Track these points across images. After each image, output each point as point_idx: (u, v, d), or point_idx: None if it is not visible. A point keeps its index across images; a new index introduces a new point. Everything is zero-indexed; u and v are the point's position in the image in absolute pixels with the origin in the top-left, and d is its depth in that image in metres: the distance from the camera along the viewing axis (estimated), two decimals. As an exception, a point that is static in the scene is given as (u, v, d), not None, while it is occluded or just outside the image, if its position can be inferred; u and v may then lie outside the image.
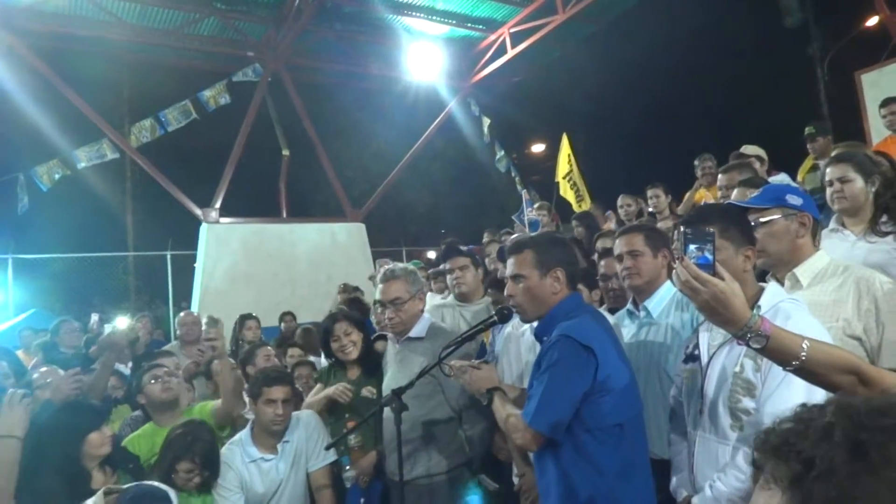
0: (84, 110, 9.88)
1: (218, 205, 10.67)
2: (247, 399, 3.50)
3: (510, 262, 2.36)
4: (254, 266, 10.63)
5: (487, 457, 3.15)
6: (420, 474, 3.02)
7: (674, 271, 1.57)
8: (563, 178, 8.55)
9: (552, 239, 2.52)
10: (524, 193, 6.94)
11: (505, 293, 2.40)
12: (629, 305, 2.86)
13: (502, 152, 13.30)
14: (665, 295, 2.69)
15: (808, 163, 5.93)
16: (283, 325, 8.04)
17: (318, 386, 3.76)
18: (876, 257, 2.70)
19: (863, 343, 2.23)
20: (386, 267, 3.38)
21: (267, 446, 3.22)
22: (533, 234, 4.62)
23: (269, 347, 4.66)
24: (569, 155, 8.67)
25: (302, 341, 5.84)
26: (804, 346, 1.48)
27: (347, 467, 3.30)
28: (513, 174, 13.39)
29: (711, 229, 1.63)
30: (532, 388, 2.23)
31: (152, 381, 3.40)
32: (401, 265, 3.38)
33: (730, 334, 1.61)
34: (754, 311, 1.55)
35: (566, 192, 8.53)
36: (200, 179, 11.65)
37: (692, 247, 1.56)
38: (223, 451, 3.17)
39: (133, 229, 18.77)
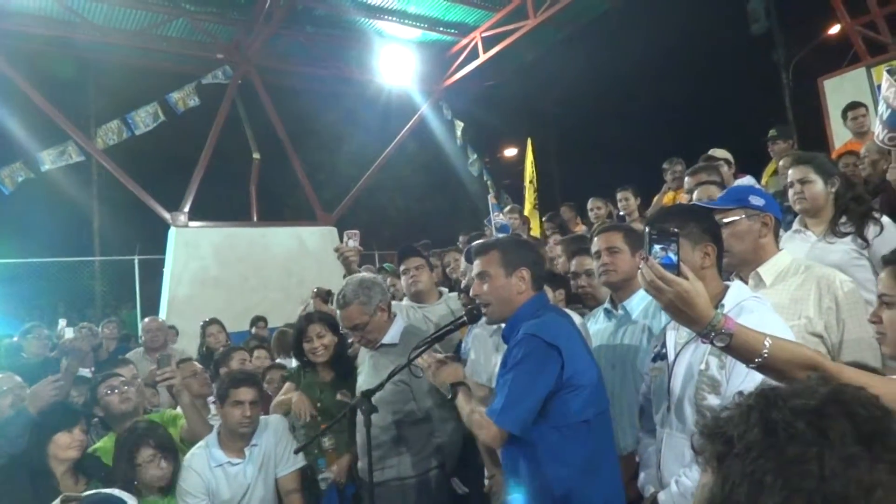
0: (48, 112, 9.63)
1: (187, 208, 10.50)
2: (212, 406, 3.45)
3: (476, 262, 2.38)
4: (224, 270, 10.48)
5: (459, 460, 3.14)
6: (392, 477, 3.02)
7: (639, 272, 1.59)
8: (530, 182, 8.61)
9: (517, 241, 2.58)
10: (490, 197, 6.95)
11: (471, 293, 2.41)
12: (607, 304, 2.88)
13: (475, 156, 13.34)
14: (645, 295, 2.69)
15: (772, 166, 6.03)
16: (254, 329, 7.96)
17: (288, 385, 3.72)
18: (834, 257, 2.76)
19: (824, 341, 2.29)
20: (337, 294, 3.21)
21: (234, 450, 3.16)
22: (500, 236, 4.62)
23: (244, 351, 4.61)
24: (532, 161, 8.75)
25: (276, 344, 5.75)
26: (766, 343, 1.51)
27: (324, 469, 3.27)
28: (485, 178, 13.43)
29: (675, 230, 1.65)
30: (498, 386, 2.24)
31: (108, 393, 3.34)
32: (354, 280, 3.20)
33: (695, 333, 1.63)
34: (718, 309, 1.57)
35: (530, 195, 8.59)
36: (169, 183, 11.45)
37: (657, 247, 1.58)
38: (187, 455, 3.12)
39: (100, 233, 18.36)
